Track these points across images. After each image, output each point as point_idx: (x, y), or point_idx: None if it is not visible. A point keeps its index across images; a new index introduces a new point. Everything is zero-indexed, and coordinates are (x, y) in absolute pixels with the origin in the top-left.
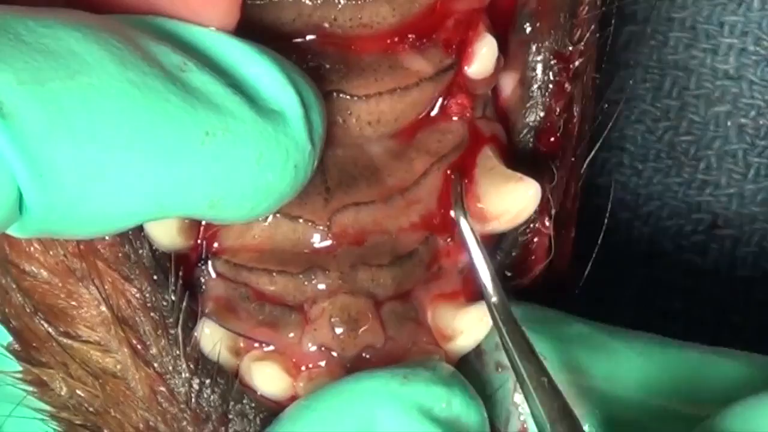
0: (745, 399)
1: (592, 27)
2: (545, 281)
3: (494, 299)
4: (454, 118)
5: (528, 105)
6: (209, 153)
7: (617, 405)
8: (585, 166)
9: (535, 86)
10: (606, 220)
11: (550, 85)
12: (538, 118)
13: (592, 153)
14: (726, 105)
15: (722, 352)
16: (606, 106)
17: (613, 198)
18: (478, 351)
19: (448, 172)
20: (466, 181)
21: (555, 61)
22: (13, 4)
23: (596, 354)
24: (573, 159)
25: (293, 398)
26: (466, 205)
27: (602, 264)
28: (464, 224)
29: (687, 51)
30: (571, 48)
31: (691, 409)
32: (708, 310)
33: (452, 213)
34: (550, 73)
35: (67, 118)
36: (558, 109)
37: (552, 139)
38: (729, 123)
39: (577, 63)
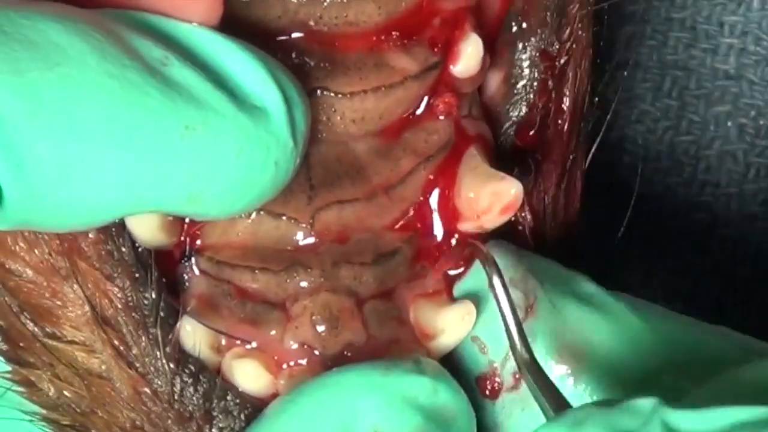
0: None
1: (584, 23)
2: None
3: (525, 356)
4: (441, 117)
5: (513, 101)
6: (188, 147)
7: (615, 367)
8: (586, 165)
9: (521, 84)
10: (606, 220)
11: (535, 83)
12: (521, 114)
13: (591, 152)
14: (726, 105)
15: (723, 332)
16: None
17: (613, 198)
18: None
19: (431, 177)
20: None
21: (541, 58)
22: None
23: (601, 316)
24: (571, 157)
25: (275, 395)
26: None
27: (602, 264)
28: (497, 283)
29: (687, 51)
30: (557, 46)
31: (683, 381)
32: (708, 311)
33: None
34: (536, 71)
35: (46, 108)
36: (540, 105)
37: (531, 133)
38: (729, 123)
39: (562, 60)
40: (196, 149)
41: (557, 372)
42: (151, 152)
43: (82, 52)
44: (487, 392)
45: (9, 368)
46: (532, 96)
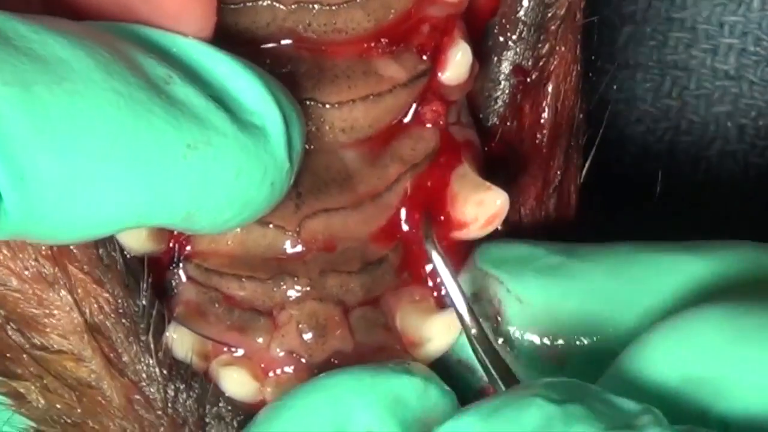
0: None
1: (568, 39)
2: None
3: (473, 331)
4: (428, 126)
5: (485, 113)
6: (190, 166)
7: (591, 328)
8: (581, 179)
9: (494, 96)
10: (605, 221)
11: (507, 97)
12: (490, 125)
13: (587, 164)
14: (726, 105)
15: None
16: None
17: (613, 198)
18: (466, 366)
19: (410, 190)
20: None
21: (514, 73)
22: None
23: (567, 283)
24: (559, 172)
25: (262, 402)
26: (436, 236)
27: None
28: (437, 258)
29: (687, 51)
30: (531, 62)
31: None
32: None
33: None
34: (508, 85)
35: (50, 123)
36: (509, 119)
37: (492, 144)
38: (729, 123)
39: (534, 76)
40: (197, 168)
41: (542, 355)
42: (153, 170)
43: (88, 68)
44: None
45: None
46: (502, 109)
